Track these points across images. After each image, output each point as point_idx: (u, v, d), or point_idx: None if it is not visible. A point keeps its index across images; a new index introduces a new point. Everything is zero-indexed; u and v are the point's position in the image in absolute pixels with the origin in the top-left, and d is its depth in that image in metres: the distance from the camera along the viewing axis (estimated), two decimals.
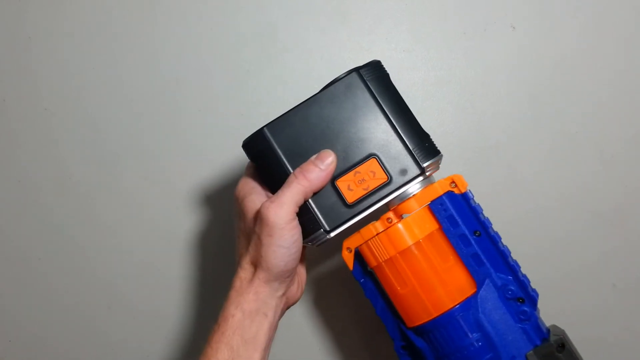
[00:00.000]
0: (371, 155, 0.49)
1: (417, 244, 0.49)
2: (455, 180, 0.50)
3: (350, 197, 0.49)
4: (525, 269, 0.65)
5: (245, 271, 0.48)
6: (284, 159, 0.49)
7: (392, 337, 0.52)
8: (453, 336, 0.48)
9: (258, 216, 0.47)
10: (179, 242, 0.67)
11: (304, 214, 0.49)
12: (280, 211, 0.46)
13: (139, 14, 0.67)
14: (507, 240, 0.65)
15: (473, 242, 0.49)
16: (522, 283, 0.49)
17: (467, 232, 0.49)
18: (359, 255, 0.51)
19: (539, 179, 0.67)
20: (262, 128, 0.49)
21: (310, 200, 0.49)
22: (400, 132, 0.49)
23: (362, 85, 0.50)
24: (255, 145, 0.50)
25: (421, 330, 0.49)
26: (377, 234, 0.49)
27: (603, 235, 0.66)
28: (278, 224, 0.46)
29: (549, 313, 0.64)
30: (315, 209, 0.49)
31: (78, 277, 0.67)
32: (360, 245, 0.50)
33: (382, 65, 0.52)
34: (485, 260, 0.49)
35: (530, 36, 0.67)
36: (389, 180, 0.49)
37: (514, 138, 0.67)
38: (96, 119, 0.67)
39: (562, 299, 0.65)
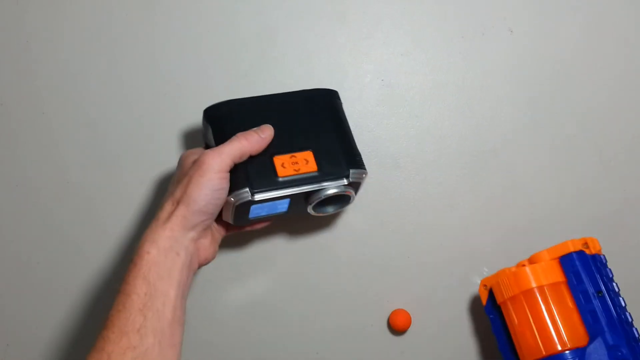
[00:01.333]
0: (310, 148, 0.56)
1: (540, 287, 0.55)
2: (588, 242, 0.57)
3: (281, 173, 0.55)
4: None
5: (164, 211, 0.51)
6: (236, 126, 0.55)
7: None
8: None
9: (196, 161, 0.52)
10: None
11: (238, 171, 0.54)
12: (218, 159, 0.51)
13: (138, 15, 0.67)
14: (504, 241, 0.66)
15: (593, 300, 0.54)
16: (634, 349, 0.53)
17: (589, 290, 0.55)
18: (492, 294, 0.60)
19: (537, 182, 0.67)
20: (230, 100, 0.57)
21: (247, 164, 0.54)
22: (340, 142, 0.57)
23: (323, 100, 0.59)
24: (220, 111, 0.57)
25: None
26: (508, 274, 0.57)
27: (602, 237, 0.66)
28: (212, 168, 0.51)
29: None
30: (249, 171, 0.54)
31: (77, 281, 0.67)
32: (494, 283, 0.58)
33: (339, 96, 0.61)
34: (601, 319, 0.54)
35: (528, 39, 0.67)
36: (317, 172, 0.56)
37: (513, 141, 0.67)
38: (95, 122, 0.67)
39: None
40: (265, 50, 0.67)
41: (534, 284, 0.55)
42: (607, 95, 0.67)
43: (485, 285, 0.60)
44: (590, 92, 0.67)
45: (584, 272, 0.56)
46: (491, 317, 0.60)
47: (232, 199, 0.54)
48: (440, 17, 0.67)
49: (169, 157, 0.67)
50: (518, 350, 0.56)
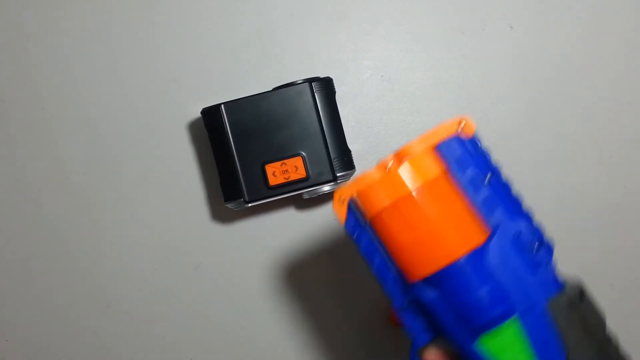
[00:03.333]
0: (299, 154, 0.60)
1: (421, 188, 0.44)
2: (465, 122, 0.46)
3: (272, 181, 0.60)
4: None
5: None
6: (230, 136, 0.60)
7: (392, 296, 0.46)
8: (461, 288, 0.43)
9: None
10: (177, 243, 0.67)
11: (233, 181, 0.60)
12: None
13: (138, 13, 0.67)
14: None
15: (484, 186, 0.44)
16: (537, 231, 0.44)
17: (477, 176, 0.45)
18: (352, 208, 0.46)
19: (537, 179, 0.67)
20: (220, 104, 0.60)
21: (240, 173, 0.59)
22: (327, 143, 0.60)
23: (309, 96, 0.60)
24: (211, 116, 0.61)
25: (427, 282, 0.44)
26: (375, 181, 0.44)
27: (602, 235, 0.66)
28: None
29: None
30: (242, 182, 0.60)
31: (77, 277, 0.67)
32: (355, 195, 0.45)
33: (332, 83, 0.62)
34: (497, 206, 0.44)
35: (529, 36, 0.67)
36: (307, 178, 0.60)
37: (513, 137, 0.67)
38: (95, 118, 0.67)
39: None
40: (265, 48, 0.67)
41: (412, 187, 0.43)
42: (608, 93, 0.67)
43: (341, 199, 0.46)
44: (591, 89, 0.67)
45: (467, 156, 0.45)
46: (355, 236, 0.46)
47: (230, 207, 0.62)
48: (440, 13, 0.67)
49: (169, 153, 0.67)
50: (406, 269, 0.45)
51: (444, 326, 0.44)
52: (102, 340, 0.67)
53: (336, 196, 0.46)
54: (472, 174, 0.45)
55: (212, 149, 0.62)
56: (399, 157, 0.45)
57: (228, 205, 0.62)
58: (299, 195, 0.62)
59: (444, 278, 0.43)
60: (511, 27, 0.67)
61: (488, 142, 0.67)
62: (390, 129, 0.67)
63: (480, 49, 0.67)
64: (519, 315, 0.42)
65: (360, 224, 0.46)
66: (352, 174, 0.63)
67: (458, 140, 0.45)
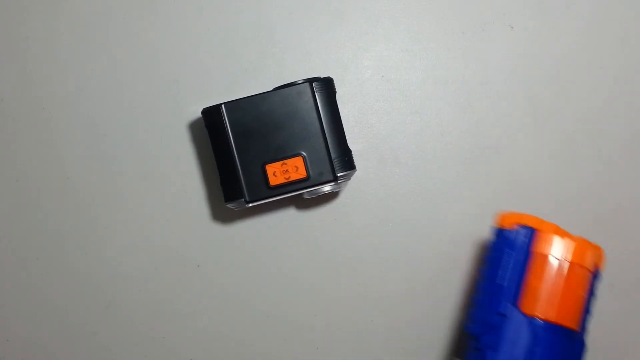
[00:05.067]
0: (300, 154, 0.60)
1: (581, 266, 0.55)
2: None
3: (272, 181, 0.59)
4: None
5: None
6: (230, 135, 0.60)
7: (478, 315, 0.56)
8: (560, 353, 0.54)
9: None
10: (177, 243, 0.67)
11: (233, 181, 0.60)
12: None
13: (138, 13, 0.67)
14: None
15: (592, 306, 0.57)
16: None
17: (595, 297, 0.57)
18: (520, 232, 0.57)
19: (537, 179, 0.67)
20: (220, 104, 0.60)
21: (241, 173, 0.59)
22: (328, 143, 0.60)
23: (310, 96, 0.60)
24: (211, 116, 0.61)
25: (540, 326, 0.54)
26: (562, 237, 0.56)
27: (602, 235, 0.66)
28: None
29: None
30: (243, 182, 0.60)
31: (76, 277, 0.67)
32: (534, 227, 0.57)
33: (333, 83, 0.62)
34: (588, 322, 0.57)
35: (529, 35, 0.67)
36: (307, 178, 0.60)
37: (513, 138, 0.67)
38: (95, 119, 0.67)
39: None
40: (264, 47, 0.67)
41: (581, 262, 0.55)
42: (608, 92, 0.67)
43: (515, 221, 0.58)
44: (590, 89, 0.67)
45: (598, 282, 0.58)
46: (506, 250, 0.57)
47: (231, 207, 0.62)
48: (440, 12, 0.67)
49: (169, 153, 0.67)
50: (523, 300, 0.55)
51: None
52: (102, 340, 0.67)
53: (514, 217, 0.58)
54: (597, 293, 0.57)
55: (212, 149, 0.62)
56: (576, 242, 0.56)
57: (228, 205, 0.62)
58: (300, 195, 0.62)
59: (559, 334, 0.54)
60: (511, 27, 0.67)
61: (487, 142, 0.67)
62: (390, 128, 0.67)
63: (480, 49, 0.67)
64: None
65: (517, 246, 0.57)
66: (352, 174, 0.63)
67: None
